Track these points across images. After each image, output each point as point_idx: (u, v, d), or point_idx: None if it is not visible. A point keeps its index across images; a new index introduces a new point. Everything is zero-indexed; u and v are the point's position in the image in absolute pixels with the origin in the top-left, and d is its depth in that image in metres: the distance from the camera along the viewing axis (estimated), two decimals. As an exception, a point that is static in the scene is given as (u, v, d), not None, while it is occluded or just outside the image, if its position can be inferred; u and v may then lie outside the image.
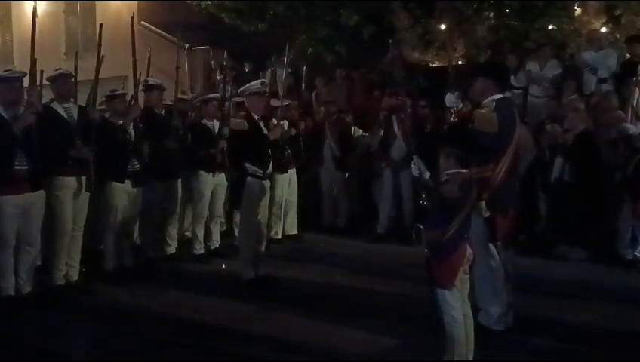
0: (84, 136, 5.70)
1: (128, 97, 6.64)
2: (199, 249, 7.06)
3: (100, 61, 6.01)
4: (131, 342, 4.80)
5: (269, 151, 6.18)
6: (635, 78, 6.81)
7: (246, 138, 6.02)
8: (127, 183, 6.15)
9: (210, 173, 6.97)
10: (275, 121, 6.90)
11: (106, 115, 6.46)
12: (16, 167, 5.21)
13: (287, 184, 7.80)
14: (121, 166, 6.11)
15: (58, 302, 5.57)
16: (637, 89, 6.71)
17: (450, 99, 4.73)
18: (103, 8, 15.22)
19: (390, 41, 9.26)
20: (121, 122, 6.14)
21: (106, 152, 5.92)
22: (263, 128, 6.16)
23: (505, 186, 4.54)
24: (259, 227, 6.12)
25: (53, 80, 5.80)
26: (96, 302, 5.65)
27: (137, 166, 6.22)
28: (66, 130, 5.68)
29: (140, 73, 6.67)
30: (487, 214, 4.45)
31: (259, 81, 6.62)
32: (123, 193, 6.15)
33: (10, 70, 5.67)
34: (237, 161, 6.24)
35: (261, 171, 6.04)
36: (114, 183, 6.09)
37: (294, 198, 8.02)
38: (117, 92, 6.55)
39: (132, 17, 6.53)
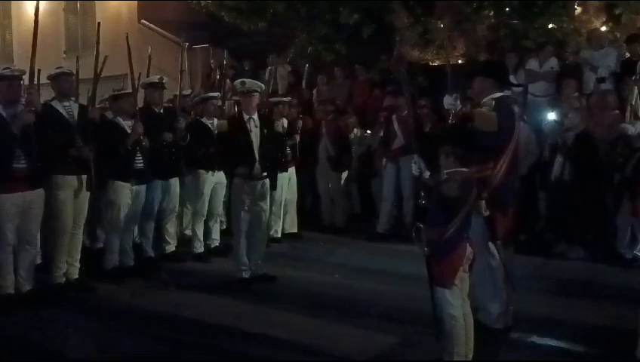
0: (84, 134, 5.70)
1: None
2: (199, 247, 7.06)
3: (103, 62, 6.01)
4: (131, 340, 4.80)
5: (255, 151, 6.02)
6: (633, 77, 6.80)
7: (228, 138, 6.03)
8: (131, 181, 6.20)
9: (210, 172, 6.97)
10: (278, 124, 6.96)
11: (106, 114, 6.47)
12: (14, 166, 5.21)
13: (287, 183, 7.81)
14: (125, 164, 6.15)
15: (58, 300, 5.58)
16: (635, 88, 6.70)
17: (447, 100, 4.69)
18: (103, 7, 15.21)
19: (397, 38, 9.22)
20: (128, 122, 6.16)
21: (109, 151, 5.96)
22: (253, 129, 6.04)
23: (505, 185, 4.54)
24: (251, 227, 6.08)
25: (53, 78, 5.79)
26: (96, 301, 5.66)
27: (140, 164, 6.24)
28: (66, 128, 5.67)
29: (140, 73, 6.70)
30: (487, 213, 4.45)
31: (239, 80, 6.44)
32: (126, 191, 6.18)
33: (9, 68, 5.66)
34: (223, 161, 6.34)
35: (246, 172, 6.03)
36: (118, 182, 6.13)
37: (294, 197, 8.02)
38: (123, 91, 6.52)
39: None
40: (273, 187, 6.38)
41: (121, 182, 6.14)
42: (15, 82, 5.31)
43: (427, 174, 4.06)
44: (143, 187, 6.34)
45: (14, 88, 5.29)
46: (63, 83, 5.77)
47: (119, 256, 6.30)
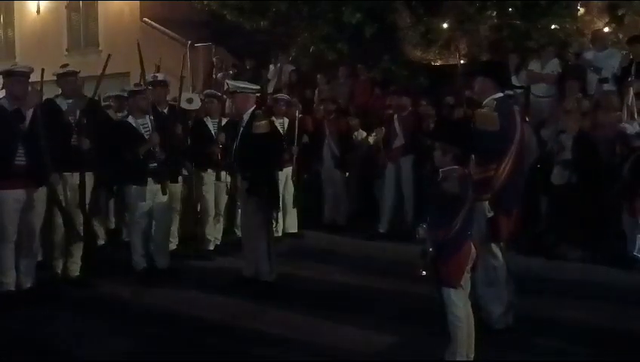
0: (84, 131, 5.70)
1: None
2: (200, 246, 7.07)
3: (106, 60, 6.02)
4: (130, 338, 4.80)
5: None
6: (629, 79, 6.81)
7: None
8: (149, 182, 6.05)
9: (209, 171, 6.97)
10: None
11: (108, 112, 6.46)
12: (16, 162, 5.24)
13: (284, 181, 7.78)
14: (140, 167, 6.01)
15: (59, 297, 5.59)
16: (631, 89, 6.71)
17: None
18: (105, 5, 15.24)
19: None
20: (140, 120, 6.10)
21: (121, 154, 5.95)
22: (241, 128, 5.92)
23: (509, 186, 4.53)
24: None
25: (59, 77, 5.82)
26: (96, 299, 5.66)
27: (154, 164, 6.08)
28: (64, 126, 5.69)
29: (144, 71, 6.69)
30: (490, 214, 4.45)
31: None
32: (143, 193, 6.06)
33: (18, 65, 5.70)
34: None
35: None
36: (133, 186, 6.04)
37: (290, 196, 7.99)
38: (141, 87, 6.38)
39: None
40: (248, 191, 5.79)
41: (137, 186, 6.02)
42: (23, 79, 5.37)
43: (429, 247, 3.99)
44: (159, 187, 6.13)
45: (22, 85, 5.34)
46: (63, 84, 5.83)
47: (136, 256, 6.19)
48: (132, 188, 6.08)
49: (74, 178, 5.74)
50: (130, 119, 6.17)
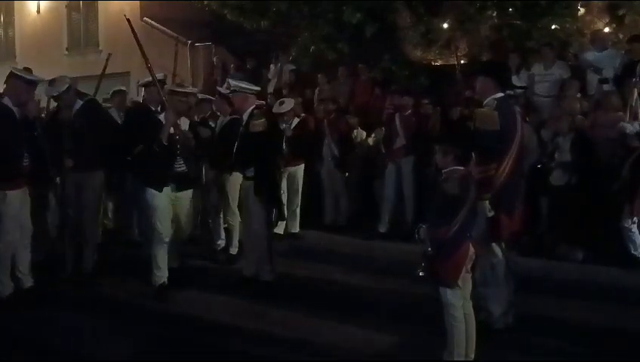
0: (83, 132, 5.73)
1: (130, 96, 6.56)
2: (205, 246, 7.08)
3: (106, 60, 6.00)
4: (131, 338, 4.81)
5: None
6: (634, 79, 6.80)
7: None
8: (170, 189, 5.65)
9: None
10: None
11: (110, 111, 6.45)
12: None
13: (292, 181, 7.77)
14: (162, 169, 5.59)
15: (59, 297, 5.61)
16: (635, 90, 6.70)
17: None
18: (106, 4, 15.25)
19: None
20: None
21: (144, 153, 5.66)
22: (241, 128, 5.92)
23: (509, 186, 4.54)
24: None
25: (57, 98, 5.91)
26: (97, 299, 5.67)
27: (182, 167, 5.67)
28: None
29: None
30: (491, 214, 4.45)
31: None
32: (164, 198, 5.63)
33: (29, 69, 5.85)
34: None
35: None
36: (151, 189, 5.61)
37: (295, 197, 7.99)
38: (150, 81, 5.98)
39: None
40: (255, 192, 5.72)
41: (156, 191, 5.58)
42: (34, 87, 5.51)
43: (428, 247, 3.99)
44: (186, 193, 5.78)
45: (31, 92, 5.49)
46: (61, 99, 5.89)
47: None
48: (149, 190, 5.61)
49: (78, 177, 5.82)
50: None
